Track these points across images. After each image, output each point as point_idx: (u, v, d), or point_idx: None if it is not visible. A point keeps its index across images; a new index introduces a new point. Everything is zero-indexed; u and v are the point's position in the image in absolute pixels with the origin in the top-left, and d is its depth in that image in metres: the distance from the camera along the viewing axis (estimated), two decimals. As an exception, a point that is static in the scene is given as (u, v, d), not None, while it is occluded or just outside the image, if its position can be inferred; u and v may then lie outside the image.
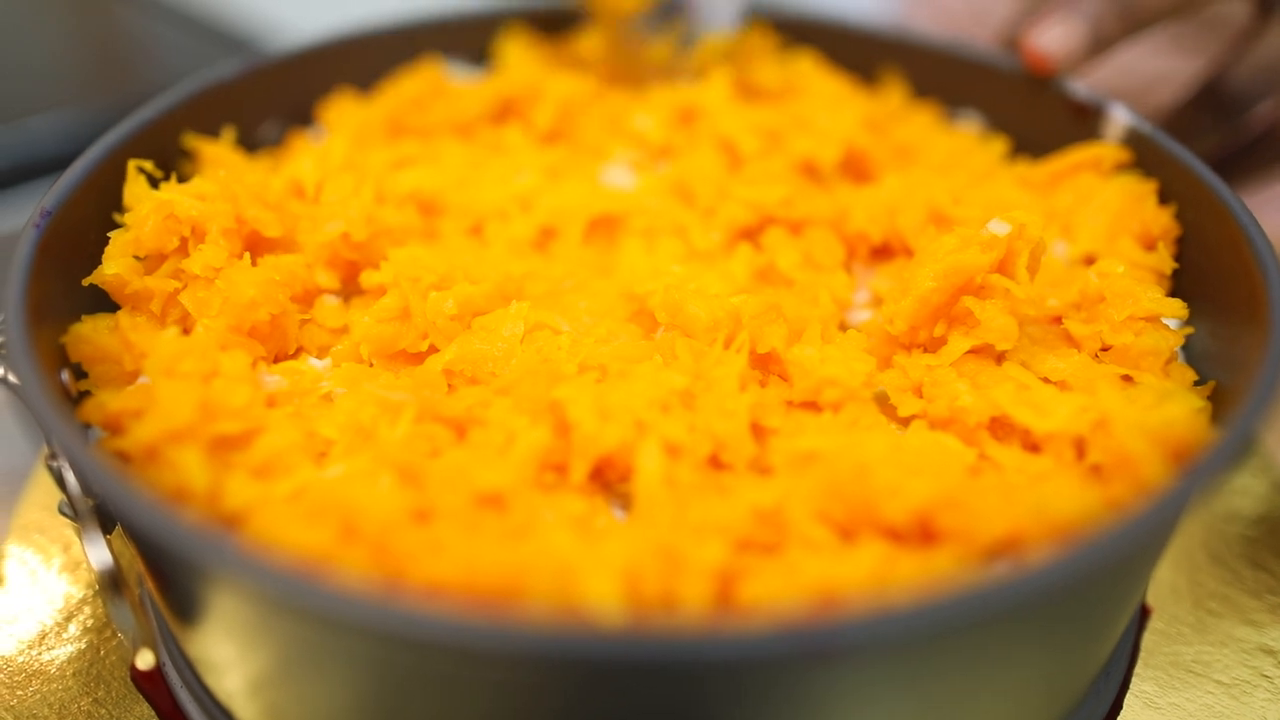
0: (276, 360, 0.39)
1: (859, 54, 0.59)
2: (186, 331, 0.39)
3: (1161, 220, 0.43)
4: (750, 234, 0.46)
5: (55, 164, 0.84)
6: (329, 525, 0.30)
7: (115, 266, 0.38)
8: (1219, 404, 0.36)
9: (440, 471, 0.32)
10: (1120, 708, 0.40)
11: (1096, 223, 0.44)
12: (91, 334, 0.37)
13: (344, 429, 0.34)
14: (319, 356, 0.40)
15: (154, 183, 0.42)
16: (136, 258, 0.39)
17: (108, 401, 0.34)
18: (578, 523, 0.31)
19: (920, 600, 0.25)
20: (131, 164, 0.42)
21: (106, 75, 1.04)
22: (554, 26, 0.61)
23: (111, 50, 1.10)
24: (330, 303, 0.41)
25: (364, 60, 0.56)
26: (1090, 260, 0.44)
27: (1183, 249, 0.44)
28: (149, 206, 0.39)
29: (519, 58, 0.58)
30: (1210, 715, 0.39)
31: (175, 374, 0.34)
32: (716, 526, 0.30)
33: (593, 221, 0.46)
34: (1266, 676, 0.41)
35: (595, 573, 0.28)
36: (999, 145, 0.52)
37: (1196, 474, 0.28)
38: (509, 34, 0.59)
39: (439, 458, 0.33)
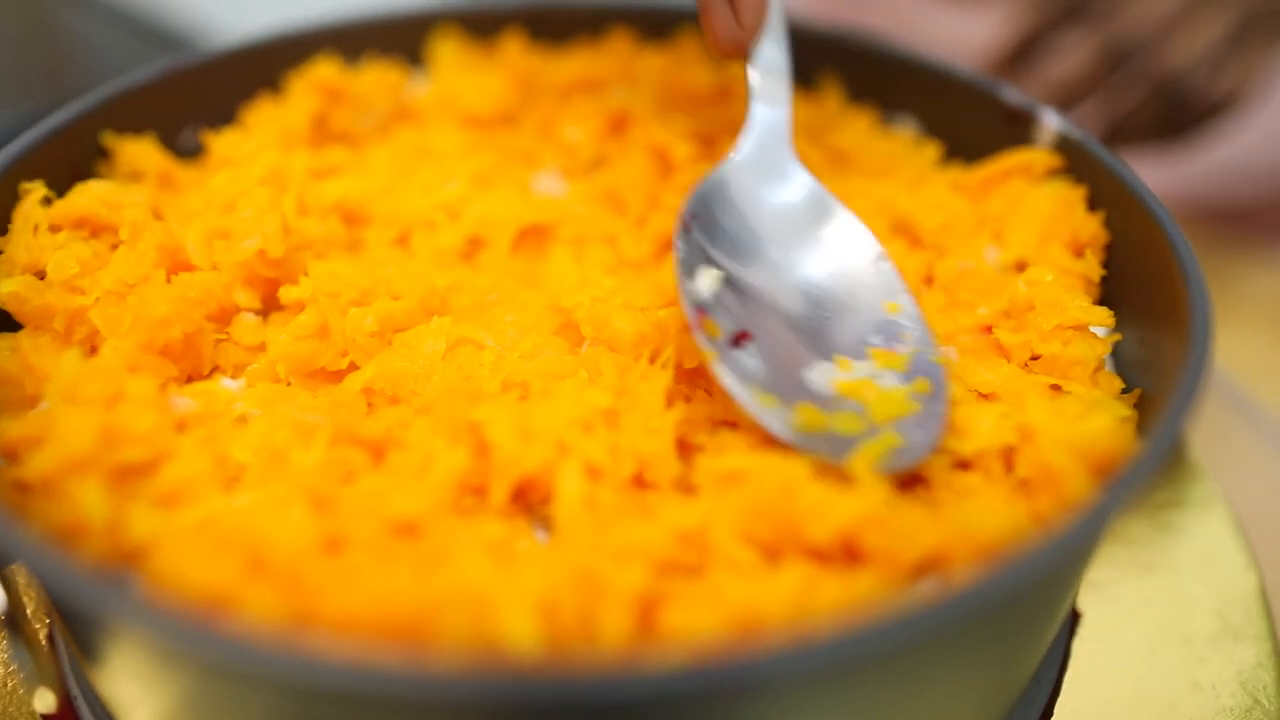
0: (190, 381, 0.38)
1: (794, 56, 0.58)
2: (93, 351, 0.37)
3: (1090, 227, 0.43)
4: (683, 243, 0.46)
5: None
6: (235, 558, 0.28)
7: (12, 284, 0.37)
8: (1145, 411, 0.36)
9: (353, 498, 0.31)
10: (1052, 713, 0.40)
11: (1027, 229, 0.44)
12: (-11, 356, 0.35)
13: (257, 453, 0.33)
14: (234, 376, 0.38)
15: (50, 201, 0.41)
16: (38, 274, 0.38)
17: (5, 429, 0.33)
18: (496, 549, 0.30)
19: (841, 629, 0.25)
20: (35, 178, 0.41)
21: (44, 76, 1.00)
22: (485, 28, 0.59)
23: (48, 50, 1.06)
24: (248, 320, 0.39)
25: (293, 62, 0.54)
26: (1021, 266, 0.44)
27: (1111, 255, 0.44)
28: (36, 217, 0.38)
29: (450, 60, 0.57)
30: None
31: (77, 399, 0.33)
32: (638, 550, 0.30)
33: (522, 231, 0.46)
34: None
35: (511, 604, 0.27)
36: (932, 150, 0.52)
37: (1117, 490, 0.28)
38: (440, 36, 0.58)
39: (353, 483, 0.32)
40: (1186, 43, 0.60)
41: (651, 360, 0.37)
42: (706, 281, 0.37)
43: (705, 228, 0.39)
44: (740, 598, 0.28)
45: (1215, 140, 0.65)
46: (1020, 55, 0.65)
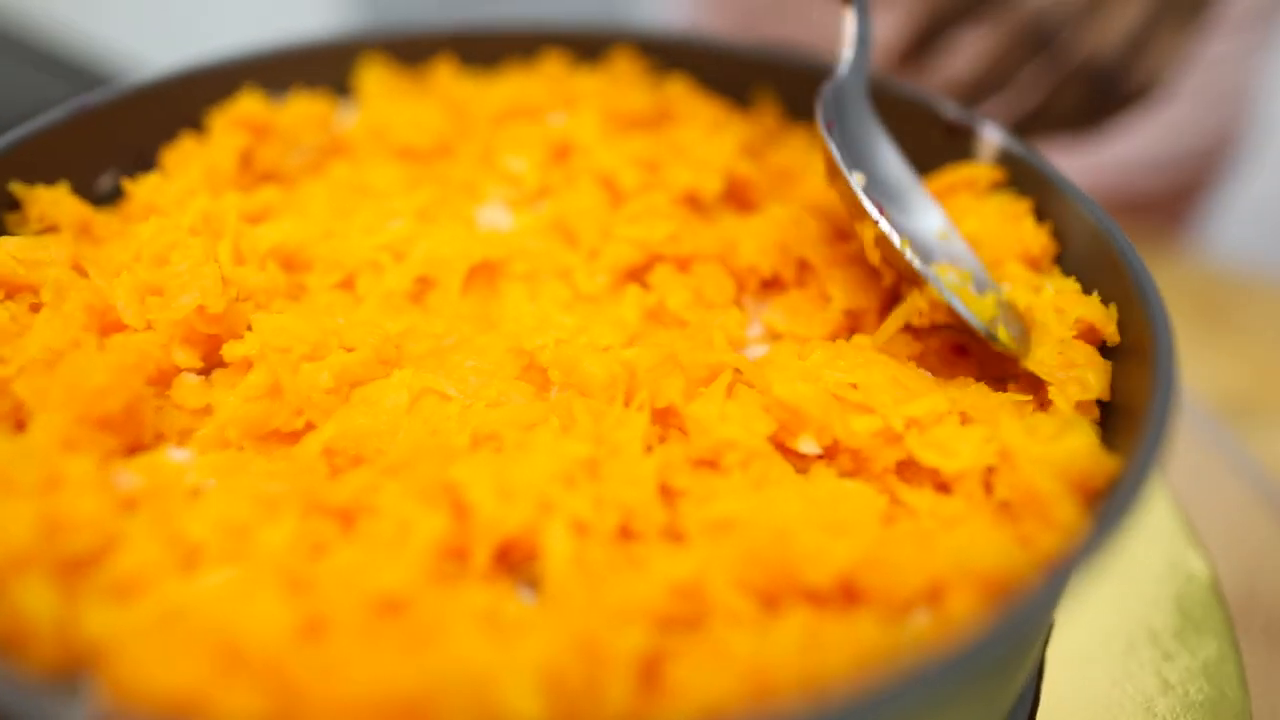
0: (131, 452, 0.35)
1: (728, 75, 0.58)
2: (19, 427, 0.34)
3: (1040, 239, 0.44)
4: (637, 273, 0.45)
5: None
6: (206, 654, 0.26)
7: (-73, 359, 0.34)
8: (1111, 431, 0.37)
9: (330, 575, 0.29)
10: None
11: (977, 244, 0.44)
12: (-96, 441, 0.32)
13: (216, 530, 0.31)
14: (180, 443, 0.36)
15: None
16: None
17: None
18: (486, 619, 0.29)
19: (860, 690, 0.24)
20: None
21: None
22: (413, 54, 0.58)
23: None
24: (190, 381, 0.37)
25: (212, 97, 0.51)
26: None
27: (1058, 268, 0.45)
28: None
29: (378, 89, 0.55)
30: None
31: (9, 486, 0.30)
32: (634, 608, 0.29)
33: (472, 269, 0.44)
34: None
35: (513, 680, 0.26)
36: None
37: (1110, 515, 0.29)
38: (366, 63, 0.56)
39: (326, 557, 0.30)
40: (1104, 28, 0.60)
41: (626, 403, 0.36)
42: (860, 180, 0.40)
43: (839, 131, 0.42)
44: (746, 652, 0.27)
45: (1122, 131, 0.67)
46: (917, 53, 0.65)
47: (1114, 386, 0.38)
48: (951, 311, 0.38)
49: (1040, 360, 0.38)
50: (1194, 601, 0.46)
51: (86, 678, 0.28)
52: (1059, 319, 0.39)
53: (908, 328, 0.41)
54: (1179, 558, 0.48)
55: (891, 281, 0.42)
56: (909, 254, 0.39)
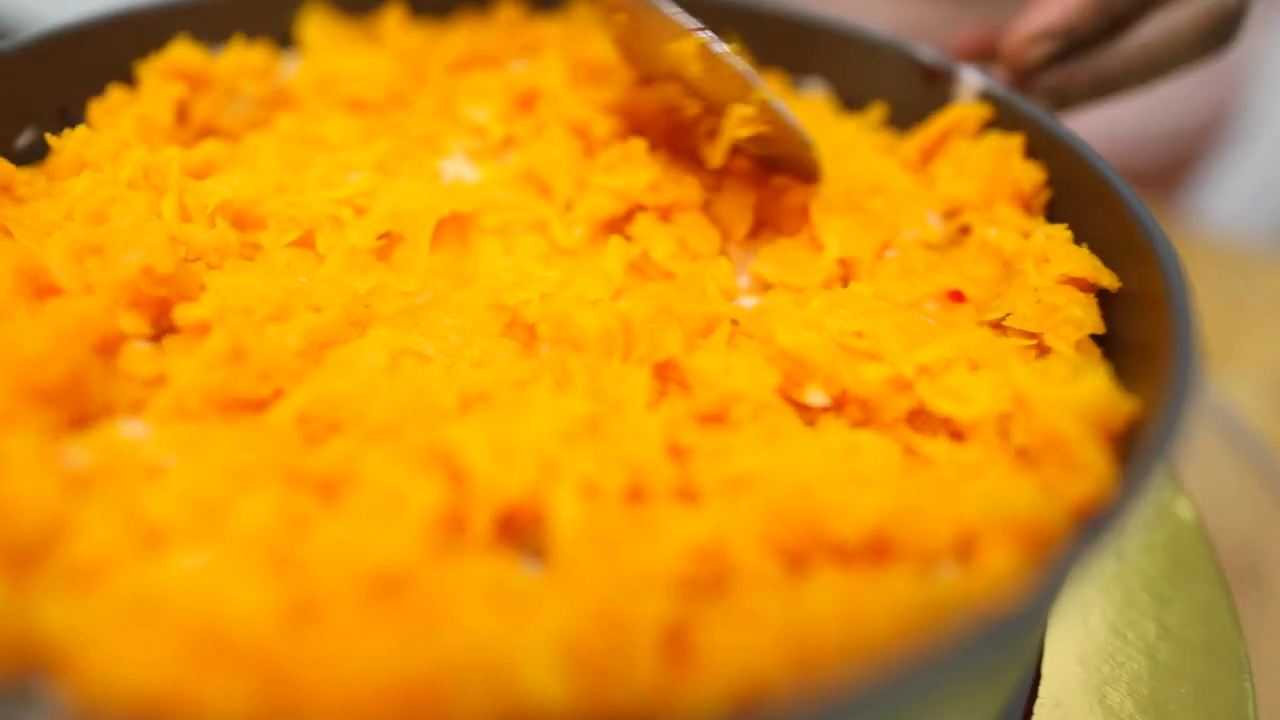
0: (76, 426, 0.31)
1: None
2: (-53, 402, 0.31)
3: (1031, 175, 0.43)
4: (616, 224, 0.42)
5: None
6: (185, 644, 0.24)
7: None
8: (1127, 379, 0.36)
9: (318, 552, 0.26)
10: (1040, 673, 0.40)
11: (969, 187, 0.43)
12: None
13: (182, 507, 0.28)
14: (133, 415, 0.32)
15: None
16: None
17: None
18: (495, 592, 0.26)
19: (908, 653, 0.22)
20: None
21: None
22: (357, 5, 0.54)
23: None
24: (139, 349, 0.33)
25: (141, 48, 0.47)
26: (966, 230, 0.43)
27: (1048, 212, 0.44)
28: None
29: (322, 40, 0.51)
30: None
31: (-59, 467, 0.27)
32: (654, 574, 0.27)
33: (441, 223, 0.41)
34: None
35: (531, 658, 0.24)
36: (863, 117, 0.50)
37: (1145, 459, 0.27)
38: (308, 13, 0.52)
39: (311, 533, 0.27)
40: None
41: (624, 358, 0.33)
42: None
43: None
44: (779, 616, 0.26)
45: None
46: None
47: (1119, 330, 0.37)
48: (773, 125, 0.38)
49: (1023, 315, 0.37)
50: (1183, 547, 0.46)
51: (42, 680, 0.24)
52: (1040, 270, 0.38)
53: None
54: (1167, 503, 0.47)
55: (698, 111, 0.42)
56: (735, 61, 0.38)
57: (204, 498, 0.28)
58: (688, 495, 0.30)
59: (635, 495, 0.30)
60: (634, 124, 0.46)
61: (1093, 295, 0.38)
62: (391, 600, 0.25)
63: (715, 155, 0.41)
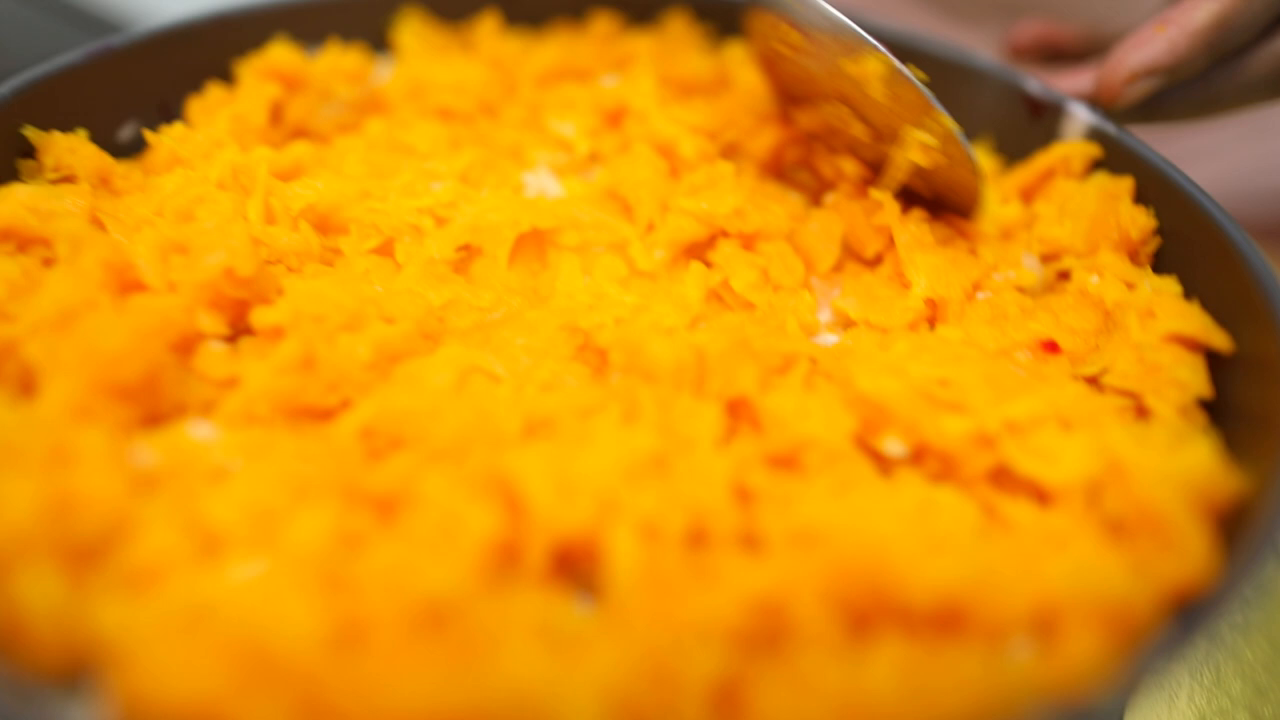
0: (149, 424, 0.32)
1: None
2: (27, 391, 0.31)
3: (1140, 221, 0.40)
4: (698, 249, 0.41)
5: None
6: (231, 659, 0.23)
7: (-72, 317, 0.30)
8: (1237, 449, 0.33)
9: (370, 575, 0.26)
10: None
11: (1072, 231, 0.41)
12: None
13: (243, 517, 0.28)
14: (203, 416, 0.32)
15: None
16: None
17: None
18: (543, 630, 0.25)
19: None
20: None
21: None
22: (453, 11, 0.54)
23: None
24: (215, 349, 0.34)
25: (240, 47, 0.48)
26: (1065, 276, 0.41)
27: (1157, 263, 0.41)
28: None
29: (416, 46, 0.51)
30: None
31: (14, 458, 0.27)
32: (709, 625, 0.26)
33: (520, 238, 0.41)
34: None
35: (575, 702, 0.23)
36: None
37: (1254, 543, 0.25)
38: (404, 18, 0.52)
39: (365, 554, 0.27)
40: None
41: (695, 392, 0.32)
42: None
43: None
44: (837, 683, 0.24)
45: (1212, 155, 0.61)
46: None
47: (1229, 396, 0.35)
48: (948, 154, 0.38)
49: (1122, 373, 0.35)
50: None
51: (89, 680, 0.25)
52: (1144, 325, 0.36)
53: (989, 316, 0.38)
54: (1269, 580, 0.44)
55: (864, 135, 0.41)
56: (920, 85, 0.37)
57: (263, 507, 0.28)
58: (751, 542, 0.29)
59: (696, 539, 0.29)
60: (724, 144, 0.45)
61: (1201, 356, 0.35)
62: (438, 631, 0.25)
63: (889, 182, 0.40)
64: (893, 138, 0.40)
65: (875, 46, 0.37)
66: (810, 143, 0.45)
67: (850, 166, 0.44)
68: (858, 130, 0.41)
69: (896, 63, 0.37)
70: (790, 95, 0.44)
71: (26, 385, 0.31)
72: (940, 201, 0.41)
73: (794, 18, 0.39)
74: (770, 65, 0.44)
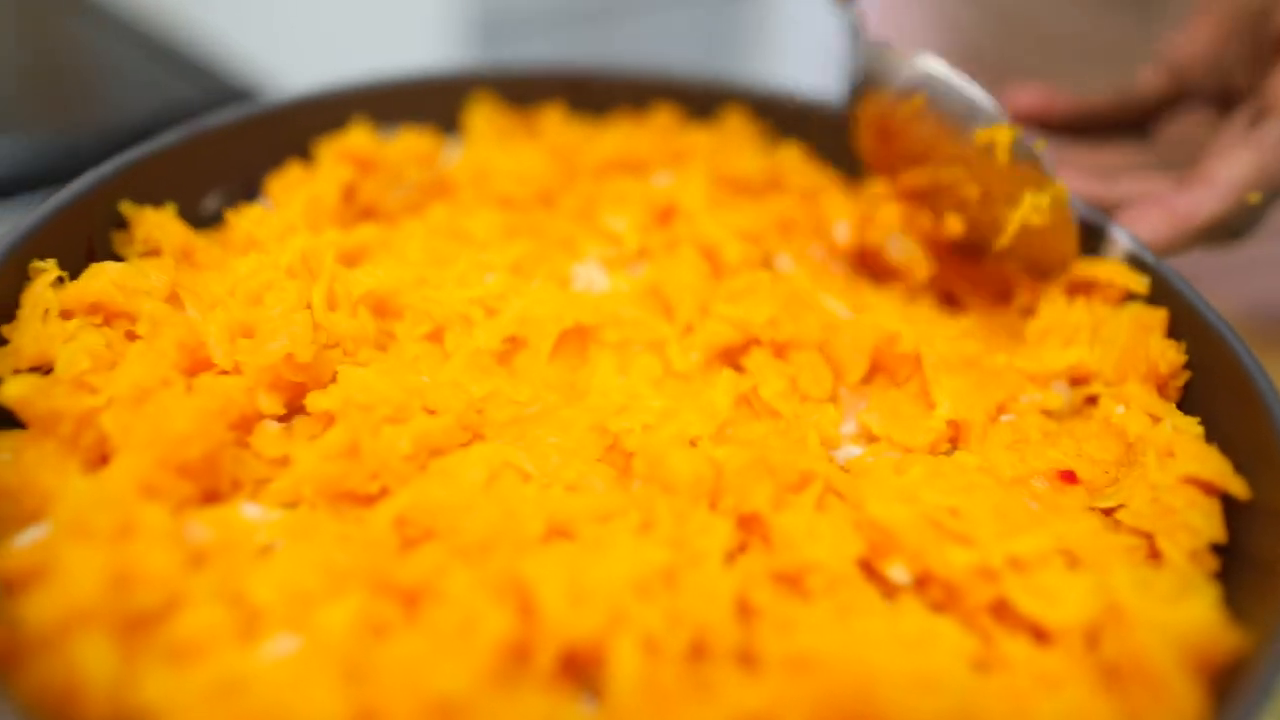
0: (206, 500, 0.34)
1: (844, 144, 0.56)
2: (102, 460, 0.34)
3: (1170, 355, 0.41)
4: (732, 355, 0.43)
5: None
6: (256, 741, 0.26)
7: (18, 386, 0.34)
8: (1230, 587, 0.34)
9: (389, 667, 0.28)
10: None
11: (1103, 358, 0.41)
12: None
13: (280, 597, 0.30)
14: (254, 495, 0.35)
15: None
16: (45, 369, 0.35)
17: (3, 556, 0.30)
18: (545, 734, 0.27)
19: None
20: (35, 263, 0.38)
21: (60, 97, 0.96)
22: (523, 94, 0.57)
23: (64, 70, 1.02)
24: (270, 429, 0.36)
25: (321, 127, 0.52)
26: (1091, 401, 0.42)
27: (1182, 398, 0.41)
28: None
29: (485, 129, 0.55)
30: None
31: (84, 530, 0.30)
32: (701, 742, 0.27)
33: (563, 332, 0.43)
34: None
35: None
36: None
37: (1244, 709, 0.26)
38: (476, 102, 0.55)
39: (387, 644, 0.29)
40: None
41: (711, 506, 0.34)
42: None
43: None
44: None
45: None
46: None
47: (1242, 542, 0.35)
48: (1055, 218, 0.41)
49: (1137, 511, 0.35)
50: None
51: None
52: (1162, 465, 0.36)
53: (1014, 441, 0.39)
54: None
55: (978, 196, 0.44)
56: (1043, 154, 0.41)
57: (300, 588, 0.30)
58: (748, 660, 0.30)
59: (697, 652, 0.30)
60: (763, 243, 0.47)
61: (1217, 500, 0.36)
62: (447, 727, 0.27)
63: (1003, 239, 0.43)
64: (1006, 200, 0.43)
65: (997, 114, 0.42)
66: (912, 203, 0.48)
67: (955, 224, 0.47)
68: (970, 191, 0.44)
69: (1022, 133, 0.41)
70: (899, 159, 0.47)
71: (102, 456, 0.34)
72: (1028, 262, 0.45)
73: (934, 95, 0.43)
74: (883, 135, 0.47)
